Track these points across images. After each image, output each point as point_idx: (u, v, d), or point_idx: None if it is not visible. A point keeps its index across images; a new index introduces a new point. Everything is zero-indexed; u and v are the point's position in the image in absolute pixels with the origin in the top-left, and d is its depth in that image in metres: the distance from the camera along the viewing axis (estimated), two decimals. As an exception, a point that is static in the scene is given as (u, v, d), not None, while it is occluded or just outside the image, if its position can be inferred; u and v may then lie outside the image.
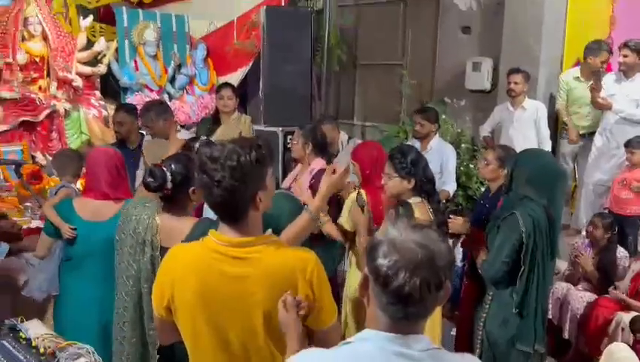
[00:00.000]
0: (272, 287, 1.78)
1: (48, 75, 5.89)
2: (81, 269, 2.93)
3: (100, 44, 6.26)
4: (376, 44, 7.64)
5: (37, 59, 5.81)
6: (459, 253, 3.77)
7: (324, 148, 4.02)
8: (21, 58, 5.67)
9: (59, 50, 5.85)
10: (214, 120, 5.43)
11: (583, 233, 4.81)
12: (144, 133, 4.65)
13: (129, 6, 7.08)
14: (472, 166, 5.81)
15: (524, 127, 5.43)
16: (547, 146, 5.36)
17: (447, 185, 4.90)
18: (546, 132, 5.45)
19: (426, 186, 3.00)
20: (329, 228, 3.29)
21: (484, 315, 2.96)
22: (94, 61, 6.30)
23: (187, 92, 7.16)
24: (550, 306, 3.99)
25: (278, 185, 4.01)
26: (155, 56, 6.83)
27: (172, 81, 7.04)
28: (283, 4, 7.19)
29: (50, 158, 5.03)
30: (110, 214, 2.86)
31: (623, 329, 3.89)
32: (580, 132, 5.70)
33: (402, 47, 7.40)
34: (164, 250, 2.43)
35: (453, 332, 3.88)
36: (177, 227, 2.49)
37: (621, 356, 3.00)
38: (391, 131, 6.87)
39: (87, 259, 2.90)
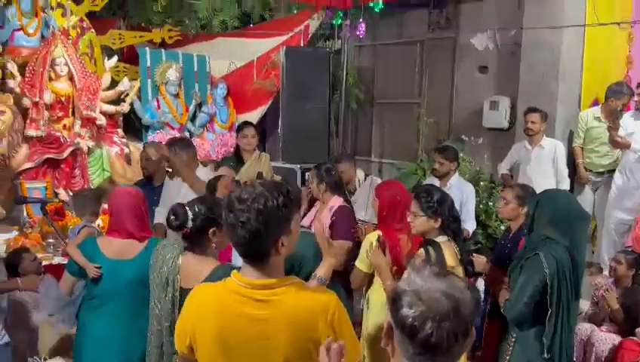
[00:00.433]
0: (293, 330, 1.79)
1: (73, 113, 6.03)
2: (104, 308, 2.94)
3: (124, 84, 6.41)
4: (393, 82, 7.74)
5: (63, 99, 5.96)
6: (480, 291, 3.73)
7: (338, 187, 4.04)
8: (48, 98, 5.82)
9: (84, 89, 5.99)
10: (237, 158, 5.49)
11: (606, 272, 4.74)
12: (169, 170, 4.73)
13: (152, 47, 7.28)
14: (491, 204, 5.79)
15: (542, 165, 5.43)
16: (566, 185, 5.34)
17: (467, 223, 4.87)
18: (565, 170, 5.44)
19: (452, 225, 3.00)
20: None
21: (508, 357, 2.92)
22: (118, 100, 6.45)
23: (207, 130, 7.28)
24: (574, 348, 3.91)
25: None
26: (176, 95, 6.98)
27: (193, 119, 7.18)
28: (302, 44, 7.33)
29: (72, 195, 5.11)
30: (135, 253, 2.90)
31: (649, 372, 3.79)
32: (600, 170, 5.68)
33: (419, 85, 7.48)
34: (183, 291, 2.47)
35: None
36: (197, 269, 2.52)
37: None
38: (408, 168, 6.90)
39: (110, 297, 2.92)
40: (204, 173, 4.42)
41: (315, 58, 7.14)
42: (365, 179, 5.89)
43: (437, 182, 4.85)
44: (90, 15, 6.72)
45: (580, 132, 5.73)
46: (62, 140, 5.86)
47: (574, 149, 5.81)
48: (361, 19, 6.77)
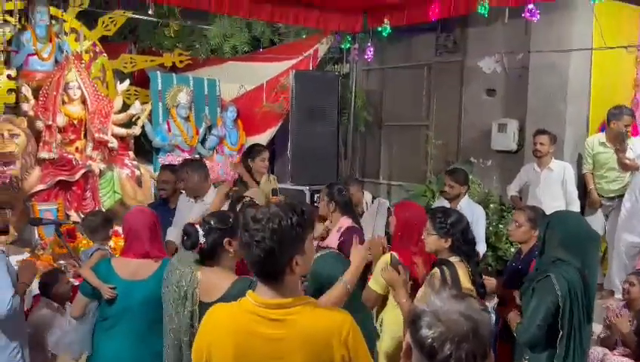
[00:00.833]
0: (307, 350, 1.80)
1: (85, 136, 6.11)
2: (117, 328, 2.95)
3: (136, 107, 6.49)
4: (401, 105, 7.80)
5: (75, 122, 6.04)
6: (492, 313, 3.72)
7: (348, 207, 4.05)
8: (61, 121, 5.89)
9: (96, 112, 6.07)
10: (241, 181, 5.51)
11: (618, 295, 4.70)
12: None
13: (163, 71, 7.38)
14: (501, 226, 5.79)
15: (551, 187, 5.43)
16: (576, 207, 5.33)
17: (477, 245, 4.86)
18: (574, 192, 5.44)
19: (463, 247, 3.01)
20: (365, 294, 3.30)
21: (521, 380, 2.90)
22: (129, 123, 6.53)
23: (217, 152, 7.36)
24: (587, 372, 3.87)
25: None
26: (187, 118, 7.06)
27: (203, 141, 7.26)
28: (311, 68, 7.42)
29: (82, 217, 5.15)
30: (150, 273, 2.92)
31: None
32: (610, 195, 5.68)
33: (427, 108, 7.53)
34: (202, 305, 2.49)
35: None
36: (216, 283, 2.55)
37: None
38: (417, 190, 6.91)
39: (123, 318, 2.93)
40: (214, 194, 4.46)
41: (323, 81, 7.23)
42: (373, 201, 5.91)
43: (447, 204, 4.87)
44: (103, 40, 6.84)
45: (588, 158, 5.74)
46: (74, 162, 5.92)
47: (585, 176, 5.81)
48: (369, 43, 6.85)
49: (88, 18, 6.74)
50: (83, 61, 6.28)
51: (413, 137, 7.63)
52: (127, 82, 6.59)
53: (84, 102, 6.08)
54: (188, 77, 7.34)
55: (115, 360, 2.94)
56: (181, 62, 7.43)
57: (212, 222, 2.64)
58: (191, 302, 2.57)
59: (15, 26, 6.10)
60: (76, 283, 3.77)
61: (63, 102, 5.99)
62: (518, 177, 5.80)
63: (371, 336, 3.04)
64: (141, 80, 7.39)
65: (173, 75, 7.31)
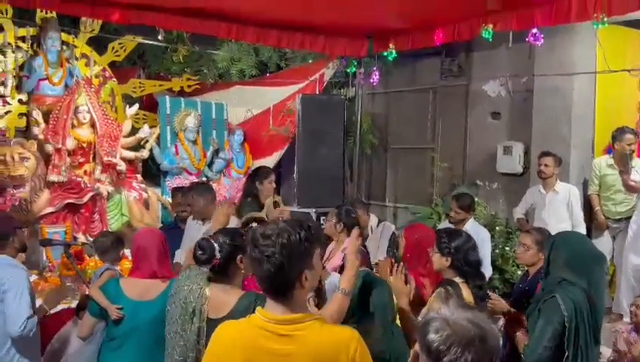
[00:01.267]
0: None
1: (94, 159, 6.18)
2: (124, 348, 2.97)
3: (144, 131, 6.58)
4: (406, 128, 7.86)
5: (84, 145, 6.11)
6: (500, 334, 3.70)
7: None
8: (70, 144, 5.97)
9: (105, 136, 6.15)
10: (257, 203, 5.52)
11: (626, 319, 4.67)
12: None
13: (171, 95, 7.49)
14: (507, 249, 5.77)
15: (557, 210, 5.44)
16: (582, 229, 5.32)
17: (483, 269, 4.85)
18: (580, 214, 5.44)
19: (463, 268, 3.02)
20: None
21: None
22: (137, 146, 6.60)
23: (224, 175, 7.42)
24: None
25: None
26: (194, 141, 7.13)
27: (210, 164, 7.32)
28: (317, 92, 7.50)
29: (92, 239, 5.19)
30: (157, 293, 2.94)
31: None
32: (617, 217, 5.67)
33: (432, 131, 7.58)
34: (210, 321, 2.50)
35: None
36: (225, 299, 2.57)
37: None
38: (423, 213, 6.92)
39: (131, 338, 2.95)
40: None
41: (329, 105, 7.30)
42: (378, 225, 5.92)
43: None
44: (112, 65, 6.97)
45: (595, 179, 5.75)
46: (82, 185, 5.98)
47: (590, 197, 5.82)
48: (374, 68, 6.93)
49: (98, 44, 6.88)
50: (93, 86, 6.40)
51: (418, 160, 7.67)
52: (135, 106, 6.68)
53: (93, 125, 6.16)
54: (196, 101, 7.44)
55: (122, 380, 2.95)
56: (189, 86, 7.55)
57: (226, 240, 2.66)
58: (199, 319, 2.59)
59: (27, 51, 6.23)
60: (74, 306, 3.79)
61: (73, 126, 6.06)
62: (523, 200, 5.81)
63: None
64: (150, 104, 7.50)
65: (182, 99, 7.41)
